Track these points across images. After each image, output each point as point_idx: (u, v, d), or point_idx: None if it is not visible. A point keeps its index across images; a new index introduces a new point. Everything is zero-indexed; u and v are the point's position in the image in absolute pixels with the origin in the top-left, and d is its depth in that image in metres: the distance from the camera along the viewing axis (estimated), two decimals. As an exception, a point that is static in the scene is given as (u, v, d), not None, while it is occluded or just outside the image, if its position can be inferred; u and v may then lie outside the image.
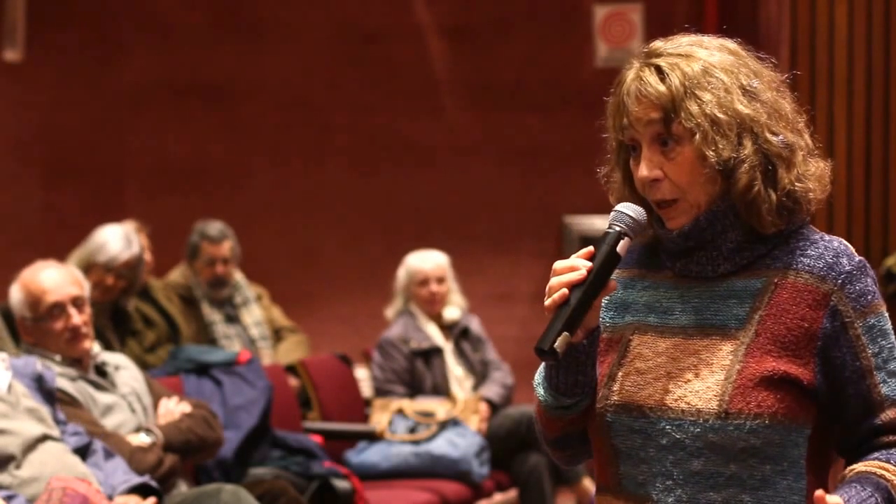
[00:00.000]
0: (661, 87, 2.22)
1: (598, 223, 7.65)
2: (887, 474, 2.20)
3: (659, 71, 2.23)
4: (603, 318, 2.35)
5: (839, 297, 2.22)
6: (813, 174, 2.26)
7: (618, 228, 2.23)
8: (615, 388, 2.28)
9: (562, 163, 8.04)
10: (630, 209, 2.24)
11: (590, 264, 2.21)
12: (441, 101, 8.35)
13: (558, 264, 2.23)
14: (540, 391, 2.34)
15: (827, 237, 2.28)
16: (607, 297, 2.31)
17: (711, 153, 2.20)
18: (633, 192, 2.30)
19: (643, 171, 2.24)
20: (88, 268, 5.91)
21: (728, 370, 2.21)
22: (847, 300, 2.22)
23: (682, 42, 2.28)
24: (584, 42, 8.04)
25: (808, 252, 2.24)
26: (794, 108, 2.29)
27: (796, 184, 2.23)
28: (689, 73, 2.22)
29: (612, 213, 2.25)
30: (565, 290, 2.19)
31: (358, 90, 8.40)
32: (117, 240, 5.95)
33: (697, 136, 2.20)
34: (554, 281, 2.21)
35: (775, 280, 2.24)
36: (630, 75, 2.27)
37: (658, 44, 2.29)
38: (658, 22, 7.90)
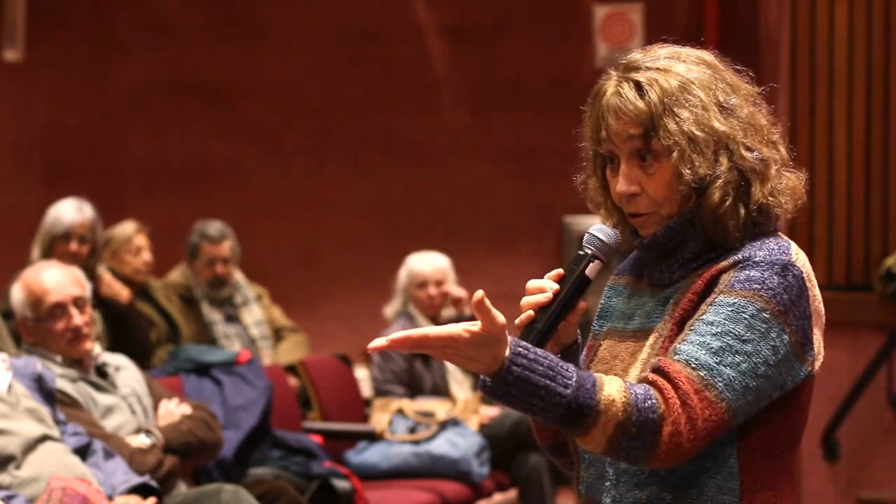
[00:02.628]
0: (640, 104, 2.22)
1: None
2: (604, 399, 2.08)
3: (638, 87, 2.24)
4: (593, 326, 2.40)
5: (728, 274, 2.18)
6: (786, 187, 2.26)
7: (588, 251, 2.26)
8: None
9: (562, 163, 7.98)
10: (601, 232, 2.27)
11: (556, 287, 2.24)
12: (441, 101, 8.35)
13: (530, 284, 2.26)
14: None
15: (774, 240, 2.23)
16: (599, 305, 2.38)
17: (687, 171, 2.20)
18: (608, 199, 2.32)
19: (622, 186, 2.25)
20: (52, 245, 6.05)
21: (644, 365, 2.23)
22: (732, 278, 2.17)
23: (661, 55, 2.28)
24: (584, 42, 8.04)
25: (742, 248, 2.22)
26: (771, 120, 2.29)
27: (769, 198, 2.23)
28: (667, 89, 2.22)
29: (585, 236, 2.28)
30: (531, 312, 2.23)
31: (358, 90, 8.40)
32: (68, 209, 6.14)
33: (675, 154, 2.20)
34: (523, 301, 2.25)
35: (700, 272, 2.24)
36: (609, 89, 2.27)
37: (636, 56, 2.29)
38: (658, 22, 7.89)
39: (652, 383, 2.12)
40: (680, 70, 2.24)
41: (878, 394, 6.91)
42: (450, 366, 6.55)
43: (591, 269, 2.26)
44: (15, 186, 8.51)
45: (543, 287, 2.24)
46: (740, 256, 2.20)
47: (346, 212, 8.41)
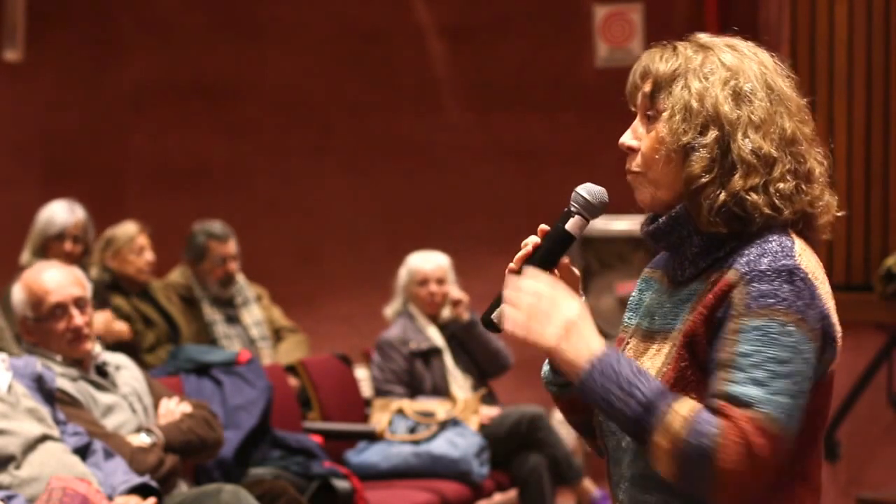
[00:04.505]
0: (660, 64, 2.28)
1: (598, 223, 7.64)
2: (670, 410, 2.12)
3: (673, 50, 2.30)
4: (623, 319, 2.43)
5: (740, 290, 2.17)
6: (790, 193, 2.24)
7: (573, 208, 2.33)
8: None
9: (562, 163, 8.04)
10: (586, 190, 2.34)
11: (538, 241, 2.34)
12: (441, 101, 8.35)
13: (524, 242, 2.35)
14: (545, 366, 2.41)
15: (776, 238, 2.21)
16: (631, 296, 2.41)
17: (669, 132, 2.24)
18: None
19: (623, 137, 2.32)
20: (46, 246, 6.08)
21: (657, 372, 2.24)
22: (745, 296, 2.16)
23: (723, 39, 2.32)
24: (584, 42, 8.04)
25: (745, 251, 2.21)
26: (812, 135, 2.29)
27: (751, 193, 2.21)
28: (691, 58, 2.27)
29: (572, 193, 2.35)
30: (513, 265, 2.32)
31: (358, 90, 8.40)
32: (60, 210, 6.29)
33: (665, 115, 2.25)
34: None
35: (712, 279, 2.23)
36: (646, 53, 2.34)
37: (699, 35, 2.34)
38: (658, 22, 7.90)
39: (721, 414, 2.12)
40: (717, 51, 2.29)
41: (878, 394, 6.91)
42: (450, 365, 6.55)
43: (572, 225, 2.32)
44: (14, 186, 8.51)
45: (526, 243, 2.33)
46: (746, 267, 2.18)
47: (346, 212, 8.41)
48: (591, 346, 2.17)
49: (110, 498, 4.09)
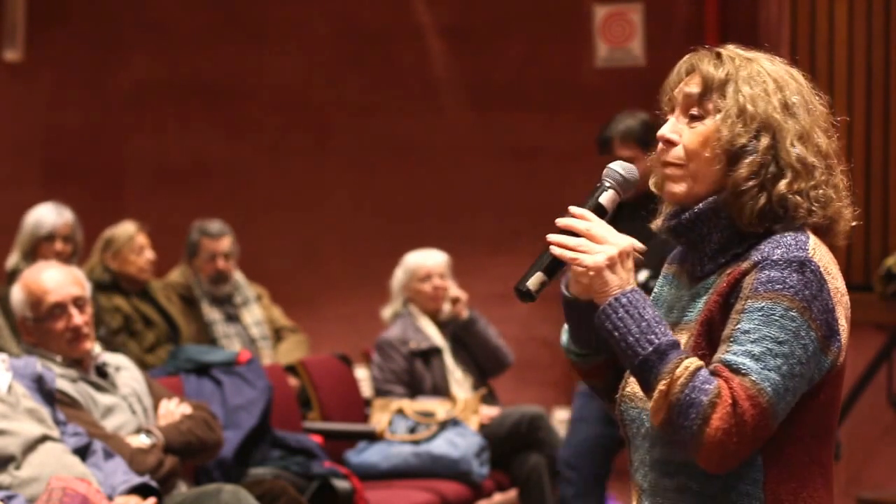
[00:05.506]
0: (711, 68, 2.36)
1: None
2: (680, 366, 2.22)
3: (717, 56, 2.38)
4: None
5: (751, 276, 2.28)
6: (825, 201, 2.34)
7: (607, 183, 2.38)
8: (627, 381, 2.41)
9: (562, 163, 8.04)
10: (620, 166, 2.40)
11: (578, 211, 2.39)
12: (441, 101, 8.35)
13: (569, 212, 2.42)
14: (563, 335, 2.49)
15: (792, 235, 2.31)
16: (653, 292, 2.49)
17: (727, 132, 2.31)
18: None
19: (664, 129, 2.39)
20: (36, 247, 6.11)
21: None
22: (754, 280, 2.27)
23: (761, 53, 2.41)
24: (584, 42, 8.03)
25: (761, 246, 2.30)
26: (837, 150, 2.39)
27: (796, 196, 2.31)
28: (740, 66, 2.36)
29: (605, 170, 2.40)
30: (549, 237, 2.36)
31: (358, 90, 8.40)
32: (48, 212, 6.34)
33: (720, 115, 2.33)
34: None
35: (727, 272, 2.32)
36: (690, 57, 2.41)
37: (730, 46, 2.43)
38: (658, 22, 7.89)
39: (717, 375, 2.22)
40: (762, 61, 2.38)
41: (878, 394, 6.91)
42: (450, 365, 6.55)
43: (605, 198, 2.37)
44: (15, 186, 8.51)
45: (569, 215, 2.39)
46: (759, 256, 2.28)
47: (346, 212, 8.40)
48: (628, 280, 2.27)
49: (110, 498, 4.09)
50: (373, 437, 6.18)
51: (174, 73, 8.55)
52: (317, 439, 5.64)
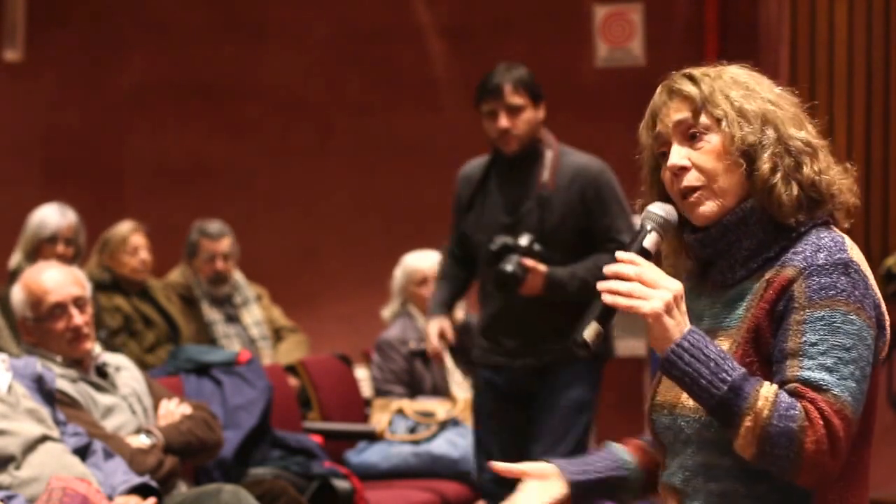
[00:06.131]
0: (692, 87, 2.38)
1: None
2: (759, 398, 2.23)
3: (691, 77, 2.40)
4: None
5: (800, 284, 2.29)
6: (837, 174, 2.39)
7: (648, 226, 2.38)
8: (657, 389, 2.44)
9: (562, 163, 8.02)
10: (660, 208, 2.40)
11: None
12: (441, 101, 8.34)
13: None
14: None
15: (827, 234, 2.34)
16: None
17: (738, 134, 2.33)
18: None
19: (672, 159, 2.38)
20: (39, 249, 6.09)
21: None
22: (805, 289, 2.28)
23: (713, 68, 2.44)
24: (584, 42, 8.03)
25: (798, 248, 2.33)
26: (817, 134, 2.42)
27: (822, 175, 2.35)
28: (715, 78, 2.39)
29: (644, 212, 2.40)
30: (601, 285, 2.34)
31: (358, 90, 8.40)
32: (52, 213, 6.29)
33: (724, 122, 2.34)
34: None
35: (767, 277, 2.33)
36: (661, 89, 2.42)
37: (688, 69, 2.45)
38: (658, 22, 7.89)
39: (800, 396, 2.23)
40: (730, 69, 2.42)
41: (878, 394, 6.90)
42: (450, 365, 6.54)
43: (649, 242, 2.36)
44: (15, 186, 8.51)
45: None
46: (804, 262, 2.30)
47: (346, 212, 8.40)
48: (685, 322, 2.27)
49: (110, 498, 4.09)
50: (373, 437, 6.18)
51: (174, 73, 8.54)
52: (317, 439, 5.64)
